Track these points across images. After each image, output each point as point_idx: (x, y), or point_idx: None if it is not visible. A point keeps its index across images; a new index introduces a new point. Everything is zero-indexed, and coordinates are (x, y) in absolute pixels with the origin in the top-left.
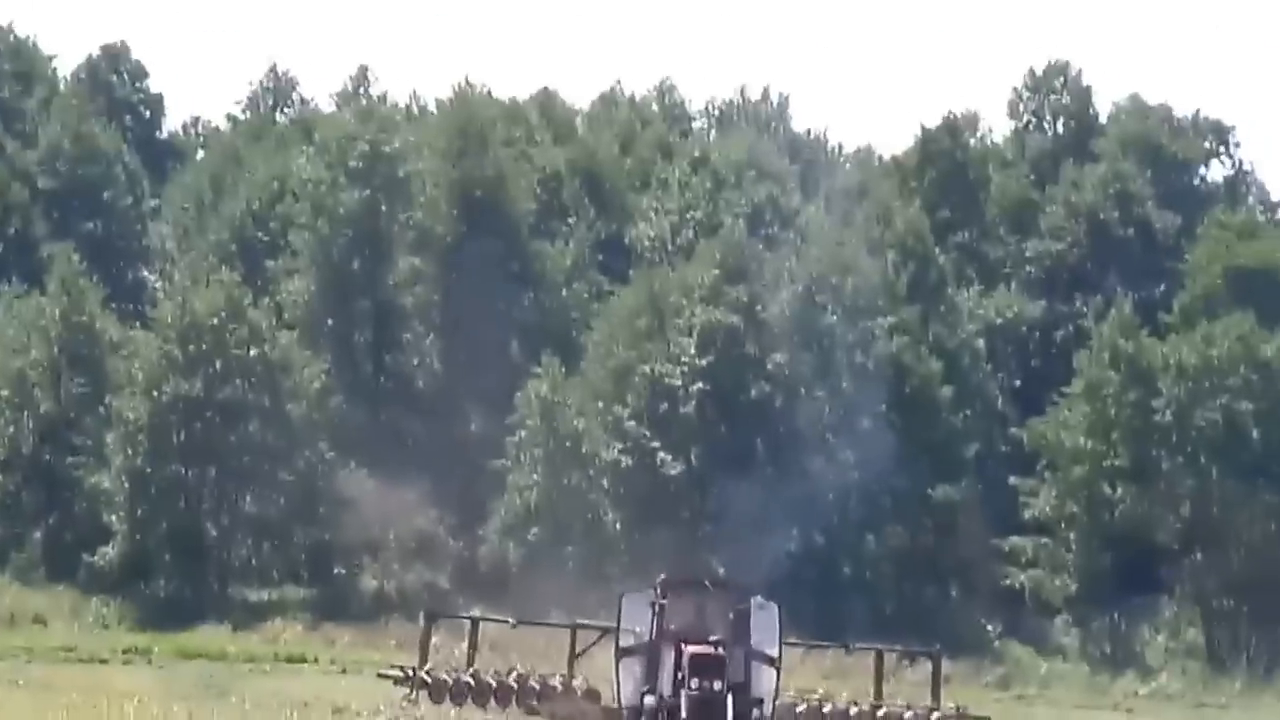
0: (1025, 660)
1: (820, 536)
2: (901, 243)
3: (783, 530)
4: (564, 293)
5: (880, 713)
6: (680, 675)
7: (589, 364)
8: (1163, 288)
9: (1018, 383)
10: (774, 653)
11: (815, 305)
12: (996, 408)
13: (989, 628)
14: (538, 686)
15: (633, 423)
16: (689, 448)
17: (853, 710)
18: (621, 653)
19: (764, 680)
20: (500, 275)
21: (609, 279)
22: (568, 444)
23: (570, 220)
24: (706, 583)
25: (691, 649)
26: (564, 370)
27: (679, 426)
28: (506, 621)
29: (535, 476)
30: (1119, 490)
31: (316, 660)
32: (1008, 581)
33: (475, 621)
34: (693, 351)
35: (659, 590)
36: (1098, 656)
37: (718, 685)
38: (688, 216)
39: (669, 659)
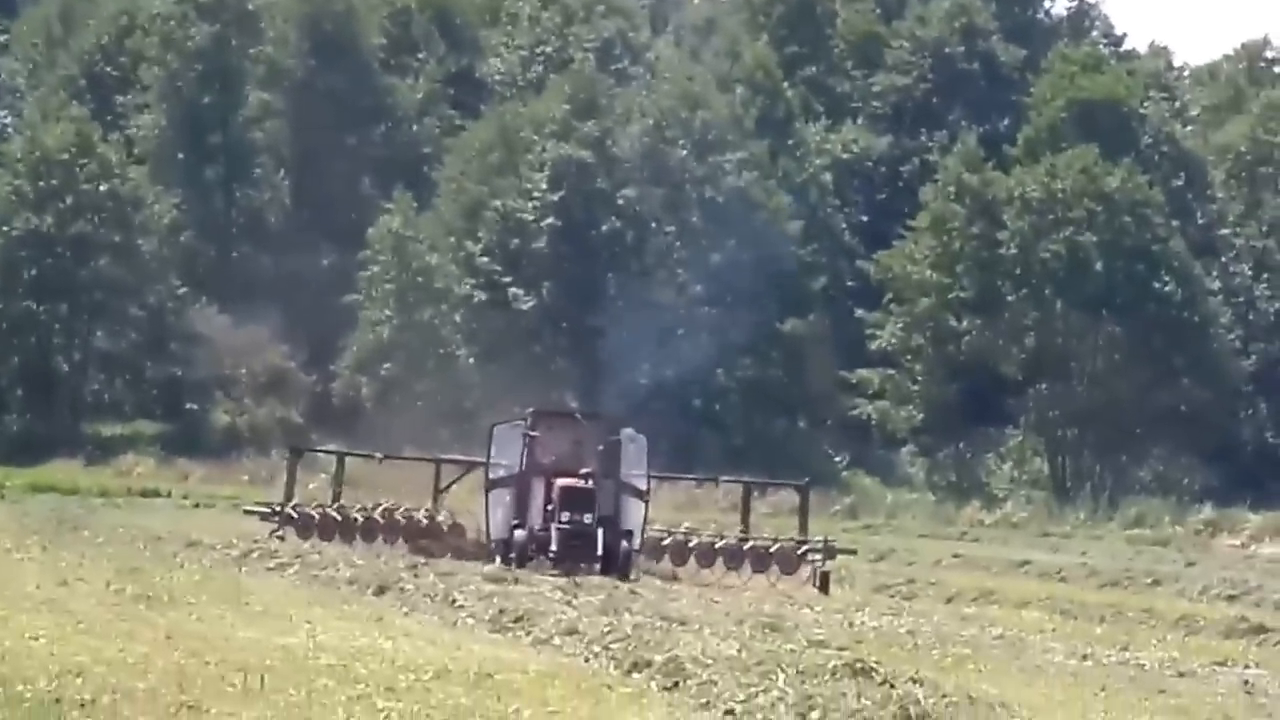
0: (872, 490)
1: (671, 370)
2: (750, 77)
3: (634, 364)
4: (415, 128)
5: (747, 545)
6: (550, 508)
7: (440, 199)
8: (1007, 121)
9: (865, 217)
10: (643, 485)
11: (665, 140)
12: (844, 241)
13: (837, 459)
14: (404, 521)
15: (485, 258)
16: (541, 283)
17: (719, 543)
18: (491, 485)
19: (633, 513)
20: (351, 110)
21: (460, 114)
22: (419, 279)
23: (420, 55)
24: (577, 415)
25: (561, 481)
26: (415, 205)
27: (531, 262)
28: (372, 456)
29: (387, 312)
30: (964, 322)
31: (169, 494)
32: (855, 413)
33: (340, 456)
34: (544, 186)
35: (529, 422)
36: (943, 486)
37: (588, 518)
38: (538, 51)
39: (539, 492)
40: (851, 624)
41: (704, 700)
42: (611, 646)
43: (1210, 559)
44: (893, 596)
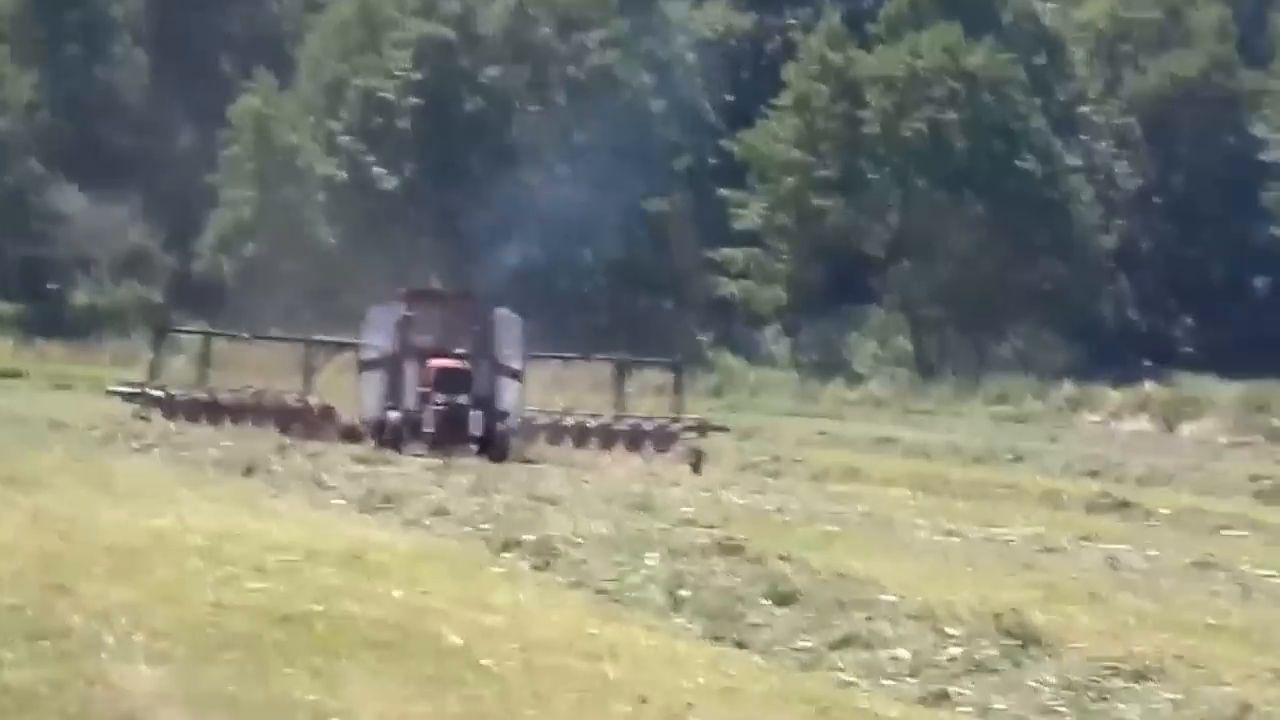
0: (737, 369)
1: (537, 250)
2: None
3: (499, 244)
4: (276, 5)
5: (622, 424)
6: (425, 389)
7: (302, 78)
8: None
9: (728, 96)
10: (519, 366)
11: (528, 18)
12: (707, 120)
13: (701, 338)
14: (274, 404)
15: (347, 138)
16: (403, 163)
17: (592, 423)
18: (365, 366)
19: (509, 394)
20: None
21: None
22: (281, 159)
23: None
24: (452, 295)
25: (436, 362)
26: (277, 84)
27: (393, 141)
28: (241, 336)
29: (249, 192)
30: (827, 201)
31: (29, 375)
32: (720, 292)
33: (207, 336)
34: (407, 65)
35: (404, 302)
36: (807, 364)
37: (463, 399)
38: None
39: (413, 372)
40: (719, 502)
41: (575, 579)
42: (482, 527)
43: (1072, 435)
44: (759, 475)
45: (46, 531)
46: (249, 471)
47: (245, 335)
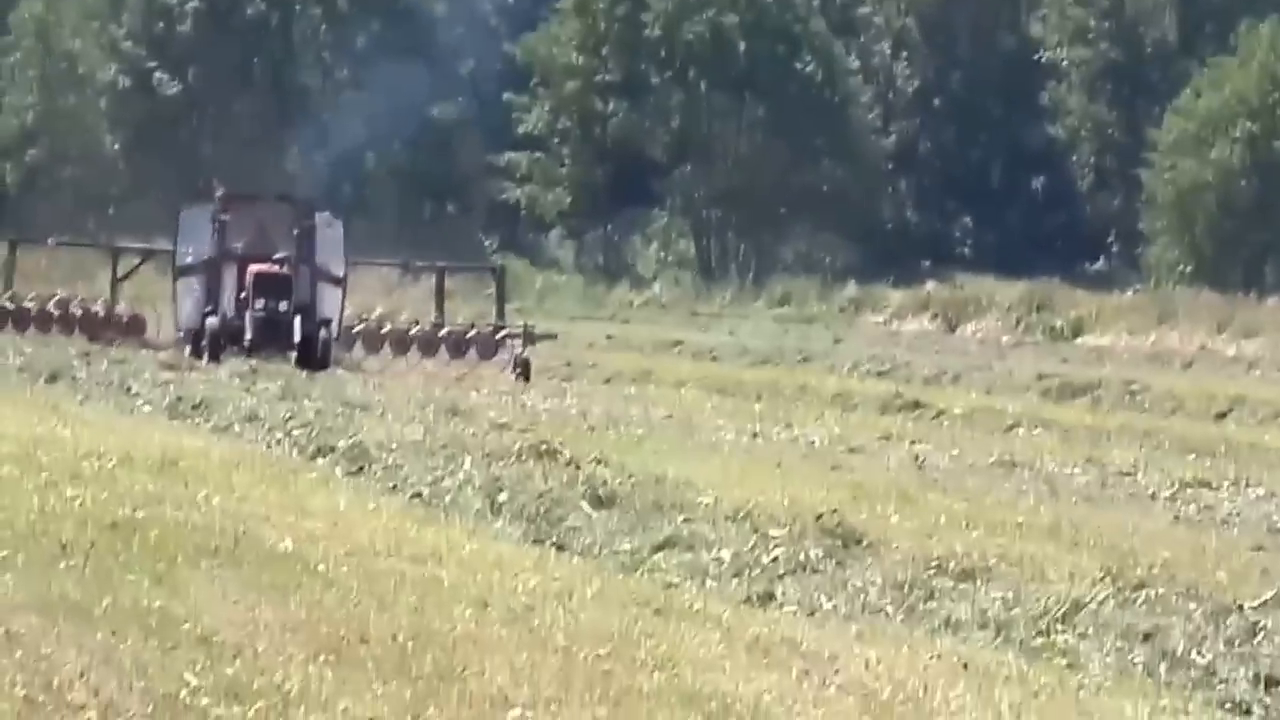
0: (522, 274)
1: (320, 156)
2: None
3: (281, 149)
4: None
5: (443, 331)
6: (244, 295)
7: None
8: None
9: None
10: (340, 272)
11: None
12: (489, 24)
13: (486, 242)
14: (79, 313)
15: (129, 43)
16: (186, 68)
17: (413, 330)
18: (179, 272)
19: (330, 300)
20: None
21: None
22: (63, 65)
23: None
24: (270, 198)
25: (256, 268)
26: None
27: (176, 46)
28: (44, 242)
29: (30, 98)
30: (610, 105)
31: None
32: (504, 197)
33: (12, 244)
34: None
35: (219, 205)
36: (592, 269)
37: (284, 305)
38: None
39: (231, 279)
40: (524, 406)
41: (391, 484)
42: (294, 433)
43: (856, 336)
44: (552, 379)
45: None
46: (53, 378)
47: (50, 242)
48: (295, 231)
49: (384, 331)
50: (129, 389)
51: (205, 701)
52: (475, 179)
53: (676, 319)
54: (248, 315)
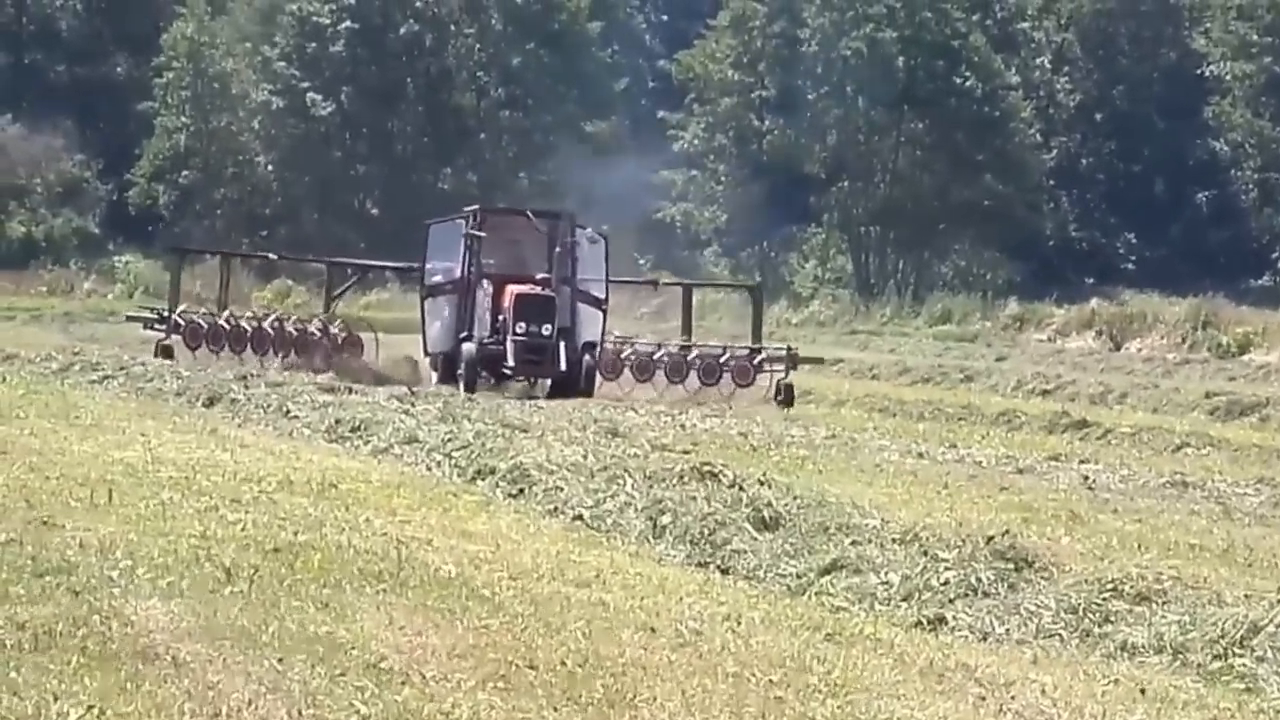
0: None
1: (473, 175)
2: None
3: (435, 169)
4: None
5: (692, 355)
6: (502, 318)
7: (236, 3)
8: None
9: (665, 16)
10: (602, 294)
11: None
12: (644, 42)
13: (641, 261)
14: (295, 333)
15: (282, 63)
16: (339, 88)
17: (659, 353)
18: (428, 292)
19: (591, 324)
20: None
21: None
22: (216, 86)
23: None
24: (529, 213)
25: (517, 289)
26: (210, 10)
27: (329, 66)
28: (267, 256)
29: (184, 119)
30: (766, 121)
31: None
32: (659, 215)
33: (226, 257)
34: None
35: (474, 220)
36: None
37: (547, 329)
38: None
39: (486, 300)
40: (683, 427)
41: (552, 506)
42: (453, 454)
43: (1019, 354)
44: (713, 399)
45: (16, 465)
46: (211, 402)
47: (271, 256)
48: (556, 249)
49: (625, 355)
50: (287, 412)
51: None
52: (630, 196)
53: (834, 337)
54: (508, 340)
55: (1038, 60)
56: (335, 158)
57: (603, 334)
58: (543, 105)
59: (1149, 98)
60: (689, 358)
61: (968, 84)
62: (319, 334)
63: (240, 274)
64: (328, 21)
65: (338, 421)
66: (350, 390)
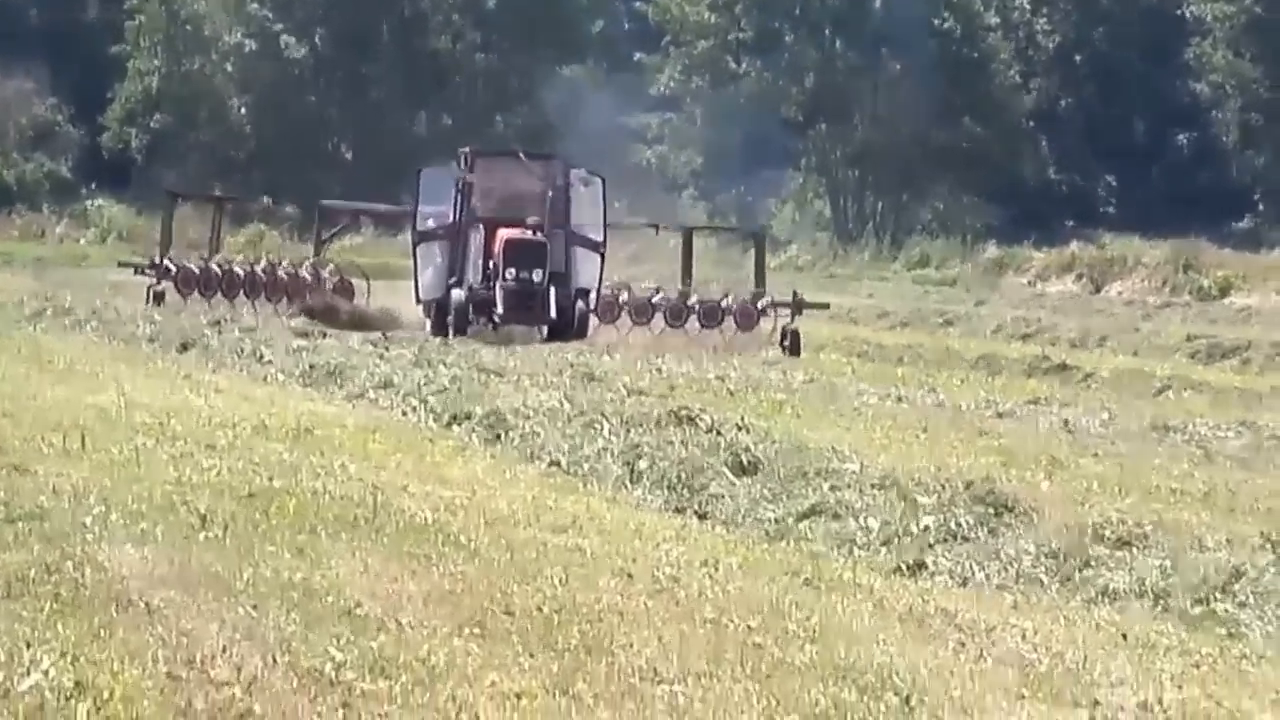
0: (655, 235)
1: (449, 119)
2: None
3: (410, 113)
4: None
5: (692, 299)
6: (493, 264)
7: None
8: None
9: None
10: (599, 237)
11: None
12: None
13: (616, 205)
14: (286, 278)
15: (255, 5)
16: (313, 30)
17: (656, 297)
18: (420, 238)
19: (587, 268)
20: None
21: None
22: (189, 28)
23: None
24: (520, 155)
25: (506, 233)
26: None
27: (302, 8)
28: (261, 200)
29: (155, 62)
30: (743, 64)
31: None
32: (635, 159)
33: (220, 202)
34: None
35: (465, 163)
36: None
37: (538, 275)
38: None
39: (478, 245)
40: (660, 371)
41: (529, 452)
42: (429, 399)
43: (999, 298)
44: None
45: None
46: (184, 347)
47: (265, 200)
48: (549, 192)
49: (623, 299)
50: (261, 357)
51: (351, 676)
52: (606, 139)
53: (813, 281)
54: (497, 286)
55: (1017, 1)
56: (309, 101)
57: (600, 278)
58: (518, 48)
59: (1129, 39)
60: (689, 302)
61: (946, 25)
62: (311, 279)
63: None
64: None
65: (312, 367)
66: (324, 335)
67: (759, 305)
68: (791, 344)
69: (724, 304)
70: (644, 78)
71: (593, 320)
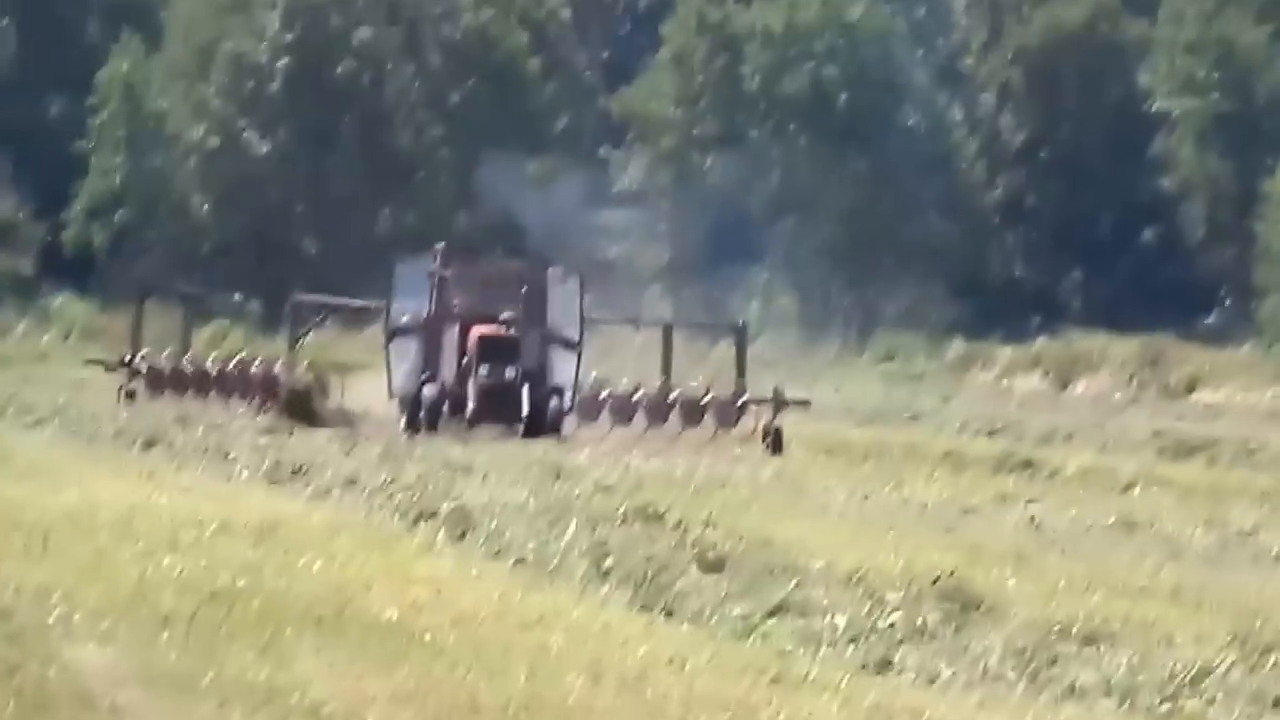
0: (619, 331)
1: (411, 216)
2: None
3: (374, 209)
4: None
5: (673, 396)
6: (466, 360)
7: (171, 41)
8: None
9: (605, 54)
10: (576, 335)
11: None
12: (584, 80)
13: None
14: (260, 375)
15: (218, 102)
16: (276, 126)
17: (637, 395)
18: (394, 333)
19: (563, 366)
20: None
21: None
22: (151, 125)
23: None
24: (496, 251)
25: (479, 330)
26: (146, 48)
27: (265, 104)
28: (233, 298)
29: (118, 159)
30: (709, 159)
31: None
32: (600, 255)
33: (189, 299)
34: (277, 26)
35: (440, 259)
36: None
37: (511, 372)
38: None
39: (452, 341)
40: (627, 468)
41: (495, 549)
42: (395, 496)
43: (965, 393)
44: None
45: None
46: (149, 445)
47: (237, 297)
48: (524, 288)
49: (602, 396)
50: (226, 454)
51: None
52: (573, 235)
53: (780, 376)
54: (470, 382)
55: (982, 97)
56: (272, 197)
57: (577, 376)
58: (482, 143)
59: (1095, 134)
60: (670, 400)
61: (911, 121)
62: (285, 376)
63: (173, 316)
64: (264, 59)
65: (277, 463)
66: (290, 431)
67: (740, 402)
68: (774, 442)
69: (705, 401)
70: (609, 173)
71: (573, 417)
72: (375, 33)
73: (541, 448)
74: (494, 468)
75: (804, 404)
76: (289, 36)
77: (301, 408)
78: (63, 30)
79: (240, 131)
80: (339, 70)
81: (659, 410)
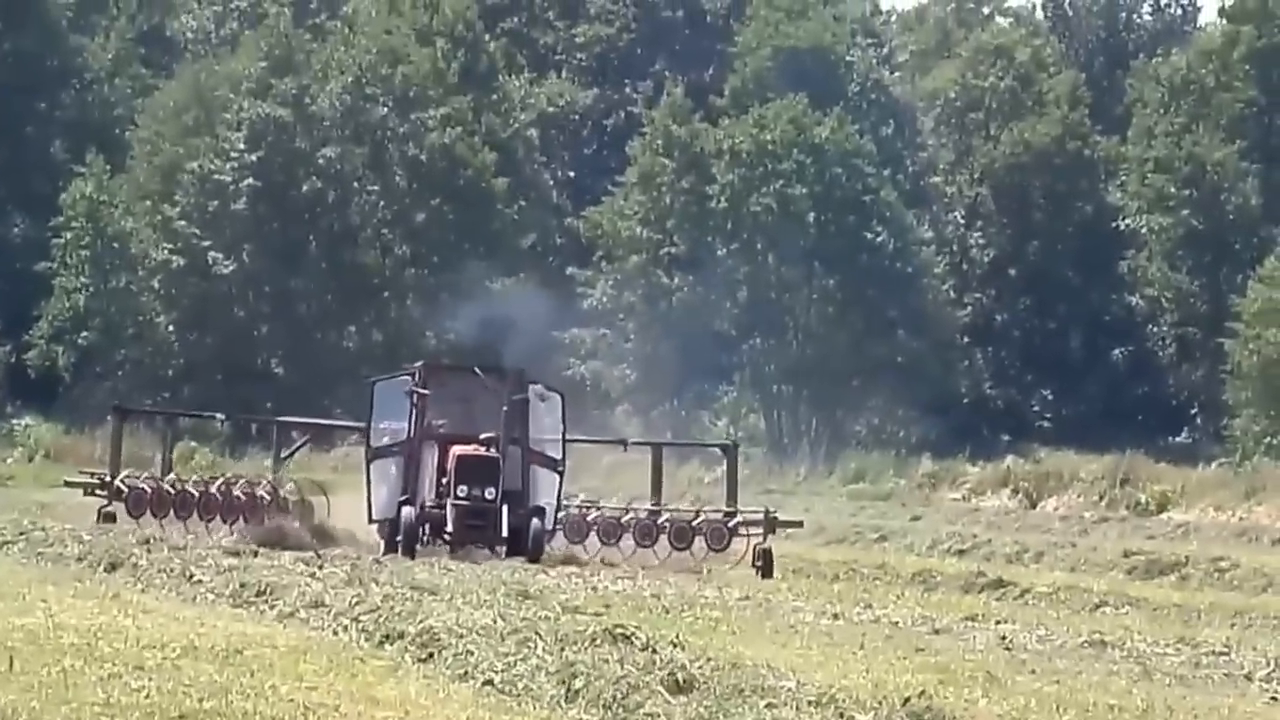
0: (588, 450)
1: (379, 334)
2: (451, 30)
3: (338, 328)
4: (106, 89)
5: (663, 518)
6: (445, 481)
7: (135, 162)
8: (713, 71)
9: (572, 173)
10: (557, 454)
11: (365, 97)
12: (551, 199)
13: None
14: (243, 497)
15: (182, 222)
16: (241, 246)
17: (626, 516)
18: (374, 454)
19: (545, 486)
20: (39, 72)
21: (152, 73)
22: (115, 245)
23: (110, 13)
24: (476, 369)
25: (458, 450)
26: (109, 169)
27: (230, 225)
28: (215, 418)
29: (83, 279)
30: (676, 279)
31: None
32: (568, 373)
33: (171, 418)
34: (242, 146)
35: (418, 378)
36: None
37: (490, 493)
38: (231, 7)
39: (430, 461)
40: (595, 589)
41: (462, 671)
42: (361, 618)
43: (934, 513)
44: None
45: None
46: (113, 567)
47: (218, 417)
48: (504, 407)
49: (591, 518)
50: (191, 576)
51: None
52: (539, 355)
53: (748, 497)
54: (449, 504)
55: (950, 215)
56: (237, 317)
57: (559, 496)
58: (448, 263)
59: (1064, 252)
60: (659, 522)
61: (879, 240)
62: (269, 497)
63: (140, 436)
64: (229, 179)
65: (243, 585)
66: (255, 553)
67: (731, 524)
68: (764, 565)
69: (695, 523)
70: (576, 292)
71: (560, 538)
72: (340, 151)
73: (508, 569)
74: (461, 590)
75: (797, 524)
76: (253, 156)
77: (285, 530)
78: (27, 151)
79: (205, 251)
80: (304, 189)
81: (648, 532)
